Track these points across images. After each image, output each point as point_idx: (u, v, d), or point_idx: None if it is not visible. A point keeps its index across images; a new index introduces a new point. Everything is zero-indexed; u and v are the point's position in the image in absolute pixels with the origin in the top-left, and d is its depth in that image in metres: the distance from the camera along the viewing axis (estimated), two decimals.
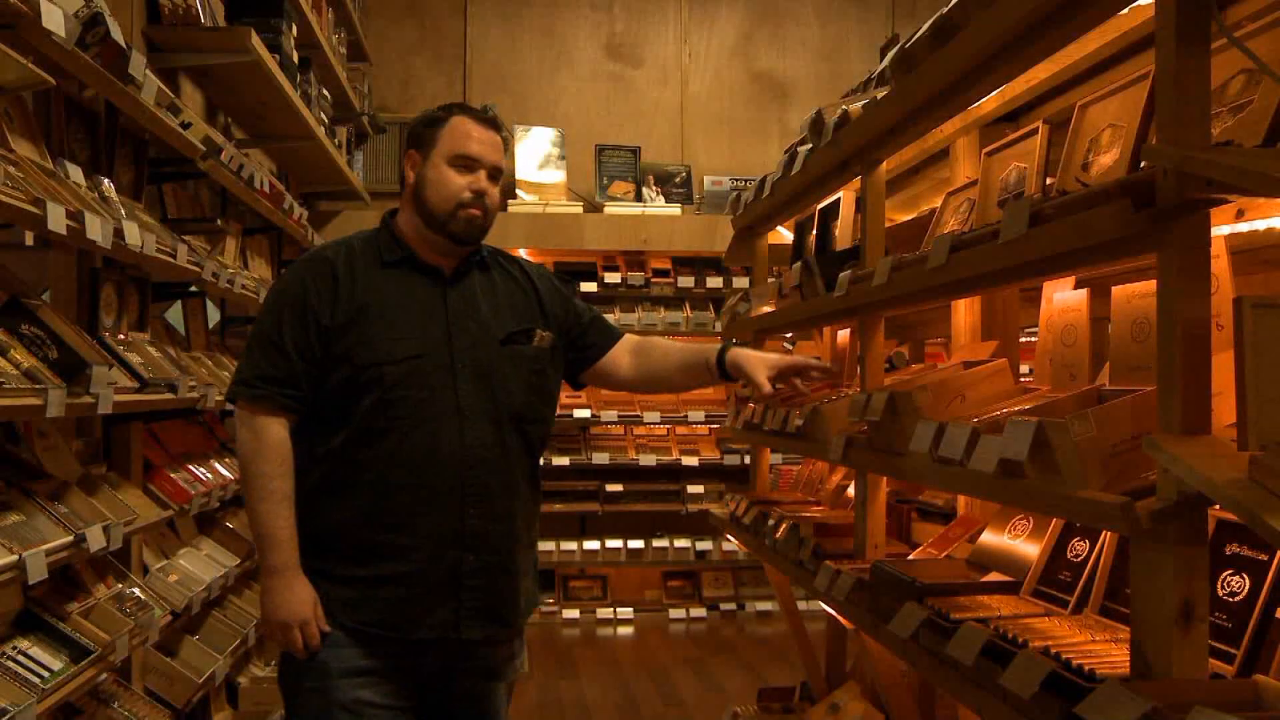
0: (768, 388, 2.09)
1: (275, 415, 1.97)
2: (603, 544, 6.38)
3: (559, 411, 6.27)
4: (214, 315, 4.17)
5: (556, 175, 6.53)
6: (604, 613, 6.31)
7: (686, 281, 6.54)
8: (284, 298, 2.02)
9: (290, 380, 1.97)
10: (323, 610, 1.97)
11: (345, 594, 1.98)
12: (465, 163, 2.02)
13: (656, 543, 6.43)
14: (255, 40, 3.44)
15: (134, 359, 2.77)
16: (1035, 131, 2.11)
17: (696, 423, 6.49)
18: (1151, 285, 1.66)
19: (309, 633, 1.94)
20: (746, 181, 6.22)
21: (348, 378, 1.96)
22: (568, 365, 2.23)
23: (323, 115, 4.87)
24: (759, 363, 2.13)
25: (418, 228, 2.06)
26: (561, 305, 2.20)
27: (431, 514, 1.97)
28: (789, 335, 6.20)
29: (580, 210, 6.40)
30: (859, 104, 2.45)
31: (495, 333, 2.05)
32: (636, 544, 6.40)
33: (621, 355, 2.26)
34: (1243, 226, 1.60)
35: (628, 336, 2.30)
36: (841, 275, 2.43)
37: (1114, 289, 1.80)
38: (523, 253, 6.47)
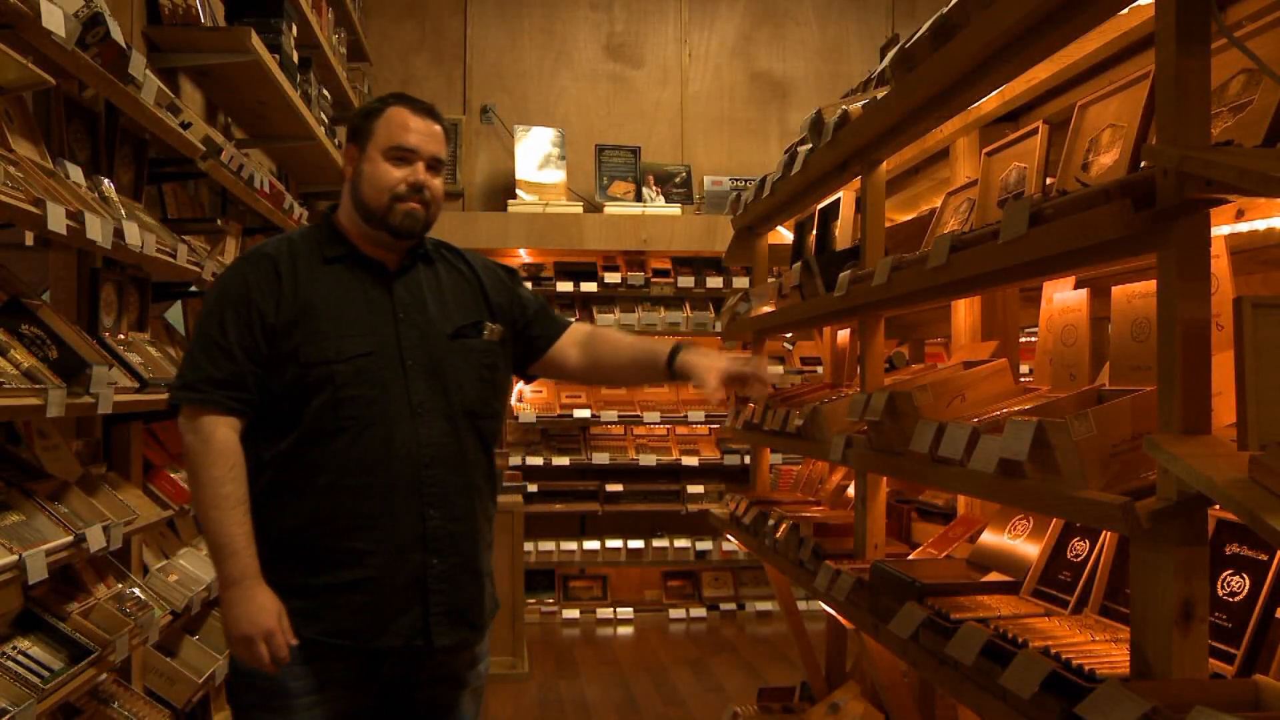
0: (721, 394, 2.02)
1: (222, 418, 1.88)
2: (603, 544, 6.38)
3: (559, 412, 6.37)
4: None
5: (556, 175, 6.53)
6: (604, 613, 6.31)
7: (686, 281, 6.54)
8: (226, 296, 1.93)
9: (237, 382, 1.88)
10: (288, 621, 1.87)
11: (301, 605, 1.88)
12: (401, 154, 1.95)
13: (656, 543, 6.43)
14: (255, 40, 3.44)
15: (134, 359, 2.77)
16: (1035, 131, 2.11)
17: (696, 423, 6.49)
18: (1151, 285, 1.66)
19: (275, 644, 1.82)
20: (746, 181, 6.23)
21: (296, 378, 1.89)
22: (515, 358, 2.16)
23: (323, 115, 4.87)
24: (708, 370, 2.02)
25: (357, 223, 2.00)
26: (506, 296, 2.13)
27: (390, 516, 1.90)
28: (789, 335, 6.22)
29: (580, 210, 6.40)
30: (859, 104, 2.45)
31: (443, 327, 2.00)
32: (636, 544, 6.40)
33: (570, 346, 2.18)
34: (1243, 226, 1.60)
35: (576, 326, 2.22)
36: (841, 275, 2.43)
37: (1114, 289, 1.80)
38: (522, 253, 6.49)
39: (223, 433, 1.87)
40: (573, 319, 2.25)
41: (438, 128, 2.01)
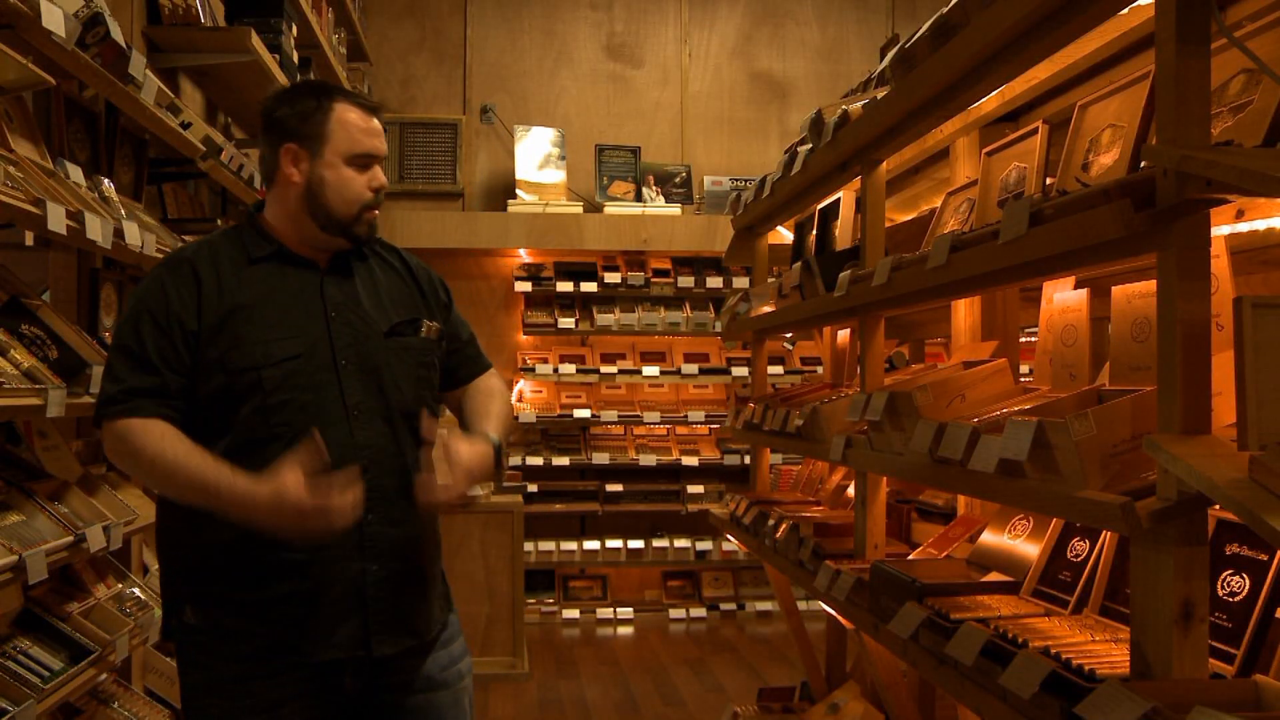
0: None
1: (149, 420, 1.78)
2: (603, 544, 6.38)
3: (559, 412, 6.38)
4: None
5: (556, 175, 6.53)
6: (604, 613, 6.31)
7: (686, 281, 6.54)
8: (143, 306, 1.83)
9: (161, 391, 1.80)
10: (240, 623, 1.78)
11: (239, 621, 1.82)
12: (364, 161, 1.90)
13: (656, 543, 6.43)
14: (255, 40, 3.44)
15: None
16: (1035, 131, 2.11)
17: (696, 423, 6.49)
18: (1151, 285, 1.66)
19: (324, 510, 1.65)
20: (746, 181, 6.22)
21: (223, 386, 1.80)
22: None
23: None
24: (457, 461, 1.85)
25: (302, 226, 1.91)
26: (440, 310, 2.06)
27: None
28: (789, 335, 6.22)
29: (580, 210, 6.40)
30: (859, 104, 2.45)
31: (379, 325, 1.92)
32: (636, 544, 6.40)
33: (464, 393, 2.08)
34: (1243, 226, 1.60)
35: (489, 375, 2.13)
36: (841, 275, 2.43)
37: (1114, 289, 1.80)
38: (523, 253, 6.49)
39: (155, 425, 1.78)
40: (490, 364, 2.18)
41: (379, 124, 1.95)
